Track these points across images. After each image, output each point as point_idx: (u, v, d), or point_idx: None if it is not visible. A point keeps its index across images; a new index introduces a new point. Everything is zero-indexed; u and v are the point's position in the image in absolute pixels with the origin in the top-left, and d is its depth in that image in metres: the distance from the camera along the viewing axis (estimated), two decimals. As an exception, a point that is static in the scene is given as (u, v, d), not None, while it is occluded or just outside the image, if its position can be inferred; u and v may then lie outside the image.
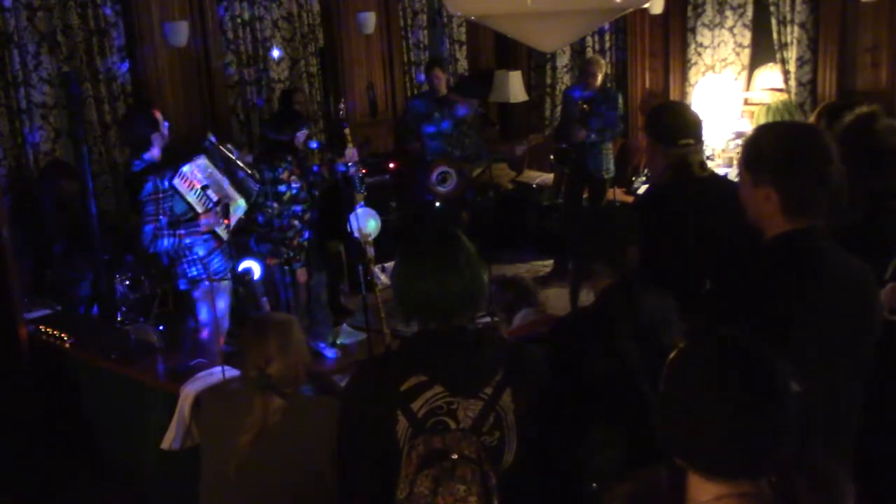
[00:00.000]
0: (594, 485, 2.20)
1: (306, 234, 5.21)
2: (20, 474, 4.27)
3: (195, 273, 4.38)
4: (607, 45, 8.26)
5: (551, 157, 7.07)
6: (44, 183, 5.52)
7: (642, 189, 7.29)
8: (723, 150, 7.23)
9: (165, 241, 4.24)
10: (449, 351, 1.95)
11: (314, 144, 5.39)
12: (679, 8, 7.64)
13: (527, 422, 1.97)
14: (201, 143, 4.53)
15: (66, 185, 5.31)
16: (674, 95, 7.77)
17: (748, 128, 7.25)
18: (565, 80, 8.46)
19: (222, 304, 4.43)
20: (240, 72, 6.92)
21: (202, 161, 4.42)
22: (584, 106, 6.61)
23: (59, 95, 5.88)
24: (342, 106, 5.40)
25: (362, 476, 2.02)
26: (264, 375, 2.46)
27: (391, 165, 7.02)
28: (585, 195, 6.96)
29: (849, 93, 6.68)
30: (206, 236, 4.38)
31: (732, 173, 6.69)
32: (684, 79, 7.77)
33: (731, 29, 7.45)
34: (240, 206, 4.54)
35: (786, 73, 7.08)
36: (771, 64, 7.40)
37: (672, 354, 1.41)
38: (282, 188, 4.96)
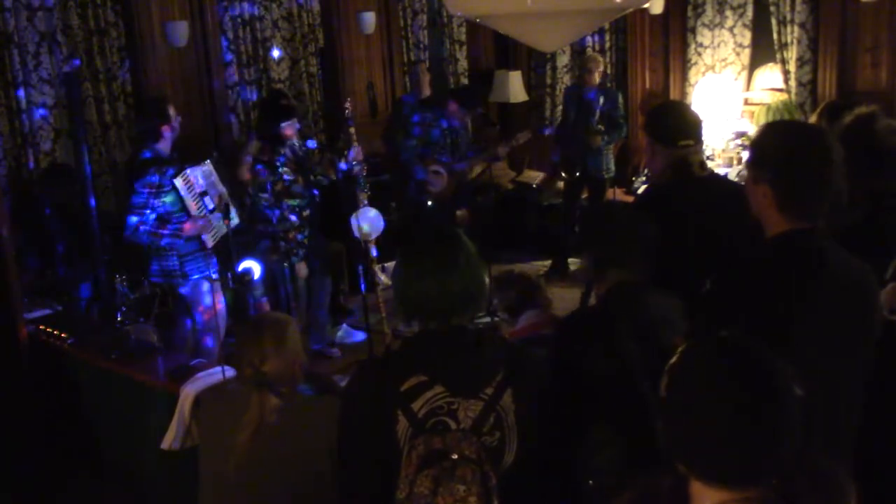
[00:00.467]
0: (590, 482, 2.20)
1: (306, 232, 5.20)
2: (20, 474, 4.27)
3: (169, 266, 4.53)
4: (607, 45, 8.25)
5: (562, 174, 7.03)
6: (44, 183, 5.53)
7: (642, 189, 7.28)
8: (723, 150, 7.22)
9: (144, 237, 4.41)
10: (449, 351, 1.95)
11: (312, 144, 5.36)
12: (679, 8, 7.63)
13: (527, 422, 1.97)
14: (208, 151, 4.63)
15: (67, 185, 5.31)
16: (674, 95, 7.76)
17: (748, 128, 7.26)
18: (565, 80, 8.45)
19: (209, 300, 4.49)
20: (240, 72, 6.92)
21: (207, 167, 4.49)
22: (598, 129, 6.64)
23: (59, 95, 5.88)
24: (348, 105, 5.39)
25: (362, 476, 2.02)
26: (259, 373, 2.47)
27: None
28: (585, 195, 6.97)
29: (849, 93, 6.67)
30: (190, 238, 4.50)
31: (732, 173, 6.69)
32: (684, 79, 7.76)
33: (731, 29, 7.45)
34: (232, 219, 4.60)
35: (786, 73, 7.08)
36: (771, 64, 7.39)
37: (672, 359, 1.41)
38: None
